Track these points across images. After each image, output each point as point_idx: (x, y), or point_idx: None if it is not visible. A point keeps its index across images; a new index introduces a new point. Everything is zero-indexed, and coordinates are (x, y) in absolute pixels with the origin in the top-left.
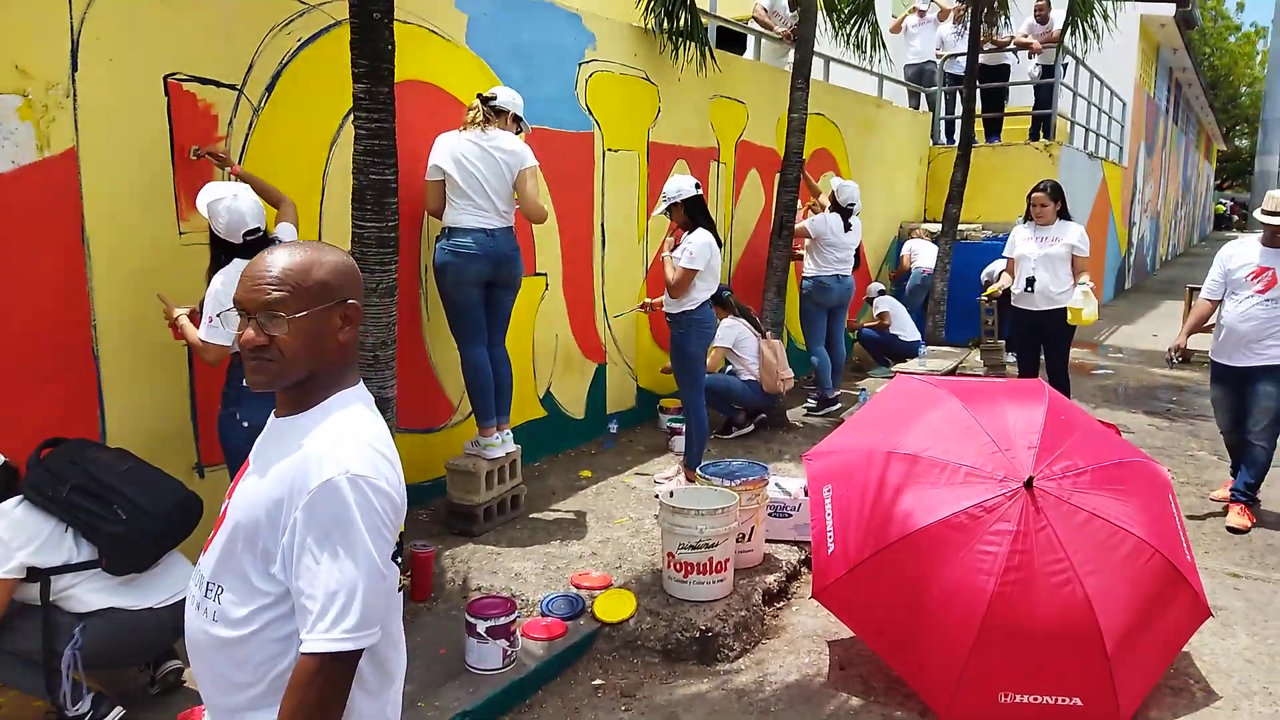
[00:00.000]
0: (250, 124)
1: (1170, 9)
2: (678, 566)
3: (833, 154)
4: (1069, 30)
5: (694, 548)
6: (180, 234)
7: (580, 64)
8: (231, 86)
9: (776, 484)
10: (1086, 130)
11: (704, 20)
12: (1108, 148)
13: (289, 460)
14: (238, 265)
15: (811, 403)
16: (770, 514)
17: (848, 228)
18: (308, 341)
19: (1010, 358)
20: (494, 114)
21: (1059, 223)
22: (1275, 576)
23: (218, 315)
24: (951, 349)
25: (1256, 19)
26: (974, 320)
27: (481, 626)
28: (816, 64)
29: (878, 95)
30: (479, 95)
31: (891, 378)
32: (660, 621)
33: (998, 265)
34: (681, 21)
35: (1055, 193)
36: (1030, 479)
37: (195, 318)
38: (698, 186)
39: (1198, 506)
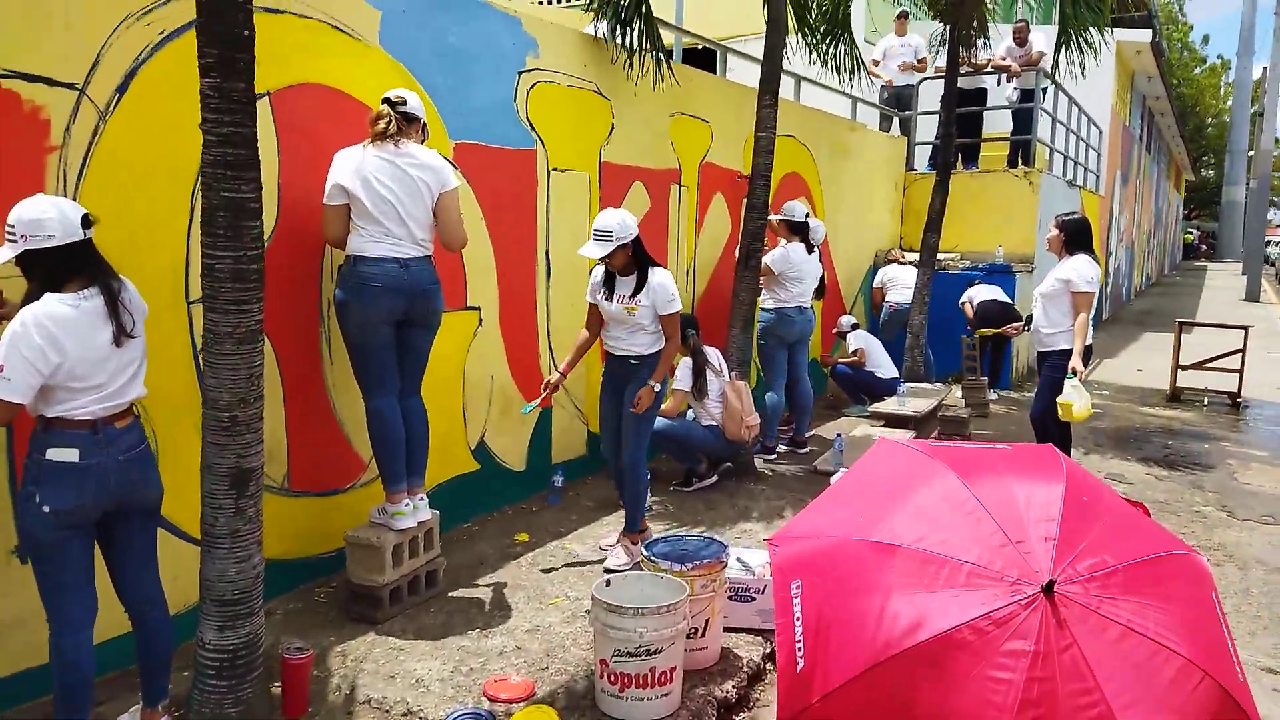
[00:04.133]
0: (95, 132)
1: (1146, 35)
2: (612, 678)
3: (804, 178)
4: (1061, 47)
5: (631, 655)
6: None
7: (520, 73)
8: (70, 86)
9: (739, 559)
10: (1065, 157)
11: (664, 32)
12: (1085, 175)
13: None
14: (49, 303)
15: (782, 446)
16: (731, 597)
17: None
18: None
19: (994, 395)
20: (405, 122)
21: (1067, 258)
22: None
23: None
24: (932, 386)
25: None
26: (955, 355)
27: None
28: (786, 83)
29: (851, 117)
30: (385, 100)
31: (868, 416)
32: None
33: (976, 291)
34: (636, 32)
35: (1065, 225)
36: (1050, 583)
37: None
38: None
39: (1214, 575)
